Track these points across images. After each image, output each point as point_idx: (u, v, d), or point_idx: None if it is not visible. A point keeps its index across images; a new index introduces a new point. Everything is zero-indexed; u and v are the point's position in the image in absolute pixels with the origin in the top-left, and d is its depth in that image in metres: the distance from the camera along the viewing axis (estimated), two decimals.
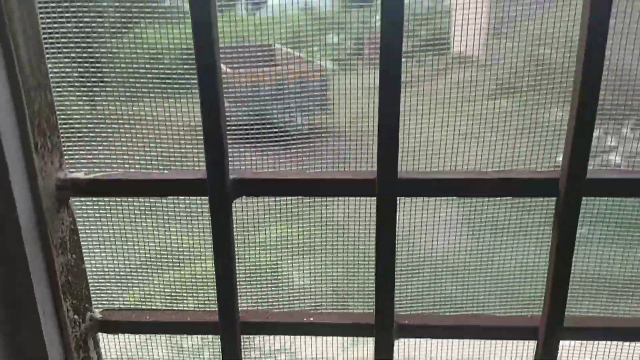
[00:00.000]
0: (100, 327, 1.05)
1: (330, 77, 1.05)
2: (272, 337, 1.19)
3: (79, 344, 1.01)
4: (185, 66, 0.98)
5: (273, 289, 1.14)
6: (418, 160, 1.02)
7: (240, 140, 1.03)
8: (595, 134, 1.10)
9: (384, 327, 0.97)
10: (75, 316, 1.01)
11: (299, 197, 1.03)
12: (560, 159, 0.92)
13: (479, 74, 1.01)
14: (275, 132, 1.04)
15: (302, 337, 1.12)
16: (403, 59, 0.96)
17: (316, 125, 1.07)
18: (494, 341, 1.12)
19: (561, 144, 0.92)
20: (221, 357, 1.02)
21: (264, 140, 1.05)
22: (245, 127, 1.04)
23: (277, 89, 1.05)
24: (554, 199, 0.90)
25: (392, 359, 1.02)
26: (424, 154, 1.02)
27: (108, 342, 1.13)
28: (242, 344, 1.03)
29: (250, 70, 1.03)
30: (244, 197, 0.97)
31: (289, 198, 1.03)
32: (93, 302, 1.06)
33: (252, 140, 1.04)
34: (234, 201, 0.94)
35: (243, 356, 1.03)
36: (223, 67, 1.06)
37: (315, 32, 1.06)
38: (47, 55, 0.91)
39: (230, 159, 0.92)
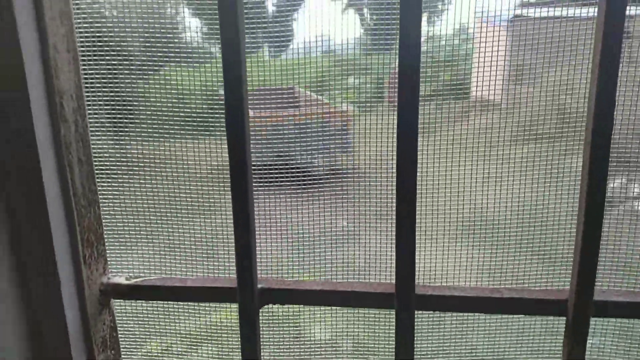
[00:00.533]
0: None
1: (352, 119, 1.07)
2: None
3: None
4: None
5: None
6: (437, 201, 1.02)
7: (262, 181, 1.04)
8: (619, 181, 1.10)
9: None
10: None
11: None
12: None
13: (498, 118, 1.02)
14: (297, 173, 1.05)
15: None
16: (422, 104, 0.97)
17: (337, 166, 1.08)
18: None
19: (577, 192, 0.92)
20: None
21: (285, 181, 1.05)
22: (266, 168, 1.05)
23: (299, 130, 1.06)
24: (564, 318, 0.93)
25: None
26: (442, 195, 1.02)
27: None
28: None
29: (273, 113, 1.05)
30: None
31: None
32: None
33: (273, 181, 1.05)
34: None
35: None
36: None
37: (337, 75, 1.08)
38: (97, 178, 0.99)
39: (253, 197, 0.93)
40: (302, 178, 1.05)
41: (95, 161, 0.98)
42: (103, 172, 1.02)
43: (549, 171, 0.98)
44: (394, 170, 0.89)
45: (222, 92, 1.02)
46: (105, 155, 1.03)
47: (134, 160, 1.04)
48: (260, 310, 0.99)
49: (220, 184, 1.04)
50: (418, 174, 0.90)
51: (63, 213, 0.90)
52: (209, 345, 1.13)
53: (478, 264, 1.05)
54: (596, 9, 0.82)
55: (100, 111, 1.03)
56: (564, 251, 1.01)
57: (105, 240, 1.02)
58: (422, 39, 1.17)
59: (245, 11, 1.02)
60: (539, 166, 0.98)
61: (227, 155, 0.88)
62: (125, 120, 1.04)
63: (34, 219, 0.87)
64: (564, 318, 0.94)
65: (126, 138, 1.05)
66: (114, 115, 1.04)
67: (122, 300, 1.05)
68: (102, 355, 1.01)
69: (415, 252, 0.90)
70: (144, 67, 1.02)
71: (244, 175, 0.89)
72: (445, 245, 1.03)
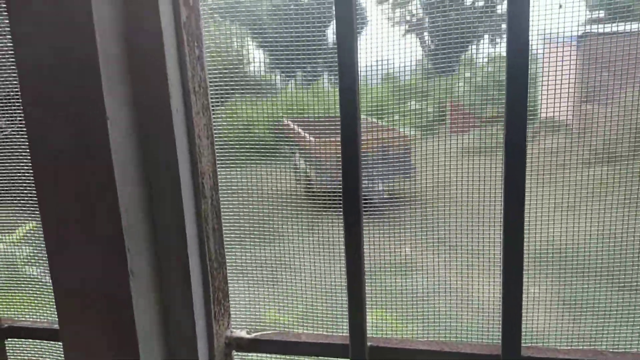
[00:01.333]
0: None
1: (413, 143, 1.06)
2: None
3: None
4: None
5: None
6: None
7: (325, 207, 1.05)
8: None
9: None
10: None
11: None
12: None
13: (569, 140, 0.97)
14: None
15: None
16: (487, 126, 0.95)
17: (399, 191, 1.07)
18: None
19: None
20: None
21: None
22: (329, 194, 1.06)
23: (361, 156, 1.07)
24: None
25: None
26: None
27: None
28: None
29: (335, 139, 1.06)
30: None
31: None
32: None
33: (335, 207, 1.06)
34: None
35: None
36: (307, 135, 1.09)
37: (396, 100, 1.08)
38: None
39: (315, 224, 0.95)
40: (365, 204, 1.05)
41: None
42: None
43: (628, 194, 0.92)
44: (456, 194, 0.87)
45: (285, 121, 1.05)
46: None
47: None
48: None
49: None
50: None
51: (201, 277, 1.01)
52: None
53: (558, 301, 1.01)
54: None
55: None
56: None
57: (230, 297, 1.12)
58: (485, 60, 1.15)
59: (307, 40, 1.05)
60: (616, 189, 0.92)
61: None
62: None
63: (180, 285, 0.97)
64: None
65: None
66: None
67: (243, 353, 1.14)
68: None
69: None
70: (212, 100, 1.07)
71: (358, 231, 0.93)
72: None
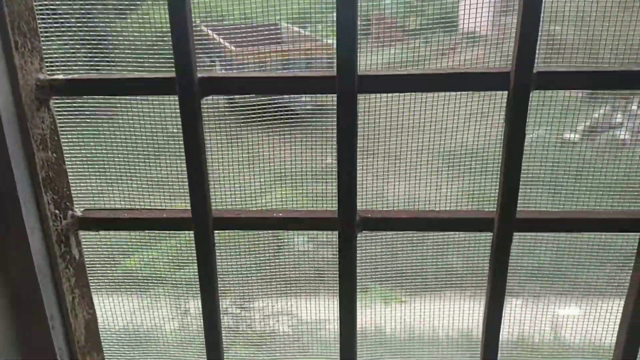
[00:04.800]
0: (80, 224, 1.07)
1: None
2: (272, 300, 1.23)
3: (60, 238, 1.04)
4: None
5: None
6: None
7: (244, 118, 1.03)
8: (602, 110, 1.10)
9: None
10: (56, 211, 1.03)
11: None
12: None
13: (487, 51, 1.00)
14: (281, 110, 1.03)
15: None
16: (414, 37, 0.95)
17: (322, 102, 1.07)
18: None
19: None
20: (195, 252, 1.03)
21: (270, 118, 1.04)
22: (250, 105, 1.04)
23: (283, 67, 1.04)
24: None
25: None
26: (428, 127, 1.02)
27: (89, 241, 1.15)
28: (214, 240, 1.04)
29: (257, 49, 1.02)
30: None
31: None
32: (75, 204, 1.07)
33: (257, 119, 1.04)
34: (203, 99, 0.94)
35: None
36: (228, 45, 1.05)
37: (321, 10, 1.05)
38: None
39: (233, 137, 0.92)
40: (287, 115, 1.04)
41: None
42: None
43: None
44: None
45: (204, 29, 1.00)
46: None
47: None
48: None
49: None
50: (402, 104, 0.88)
51: None
52: None
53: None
54: None
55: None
56: None
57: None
58: None
59: None
60: None
61: None
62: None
63: None
64: None
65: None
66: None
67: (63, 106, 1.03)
68: (42, 153, 1.00)
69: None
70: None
71: None
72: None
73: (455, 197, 1.08)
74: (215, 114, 1.02)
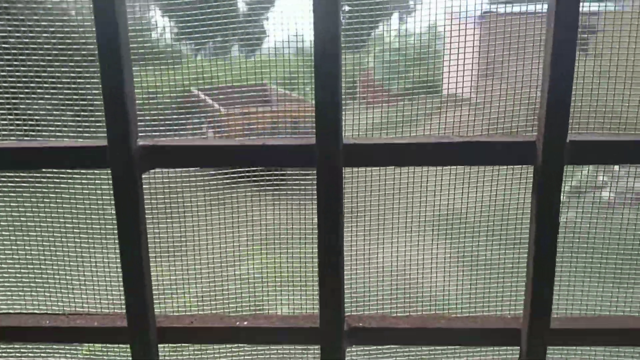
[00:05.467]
0: None
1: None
2: None
3: None
4: None
5: None
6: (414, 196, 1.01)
7: (231, 181, 1.03)
8: (585, 171, 1.11)
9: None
10: None
11: None
12: None
13: (471, 114, 1.02)
14: (269, 173, 1.04)
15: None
16: (395, 101, 0.97)
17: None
18: None
19: None
20: None
21: (259, 181, 1.04)
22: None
23: (272, 127, 1.05)
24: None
25: None
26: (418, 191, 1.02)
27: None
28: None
29: (245, 110, 1.04)
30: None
31: None
32: None
33: (245, 183, 1.04)
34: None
35: None
36: (216, 105, 1.07)
37: (308, 72, 1.08)
38: None
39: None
40: (274, 177, 1.04)
41: None
42: None
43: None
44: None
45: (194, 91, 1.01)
46: None
47: None
48: None
49: None
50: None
51: None
52: None
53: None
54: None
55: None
56: None
57: None
58: (394, 36, 1.17)
59: (216, 9, 1.02)
60: None
61: None
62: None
63: None
64: None
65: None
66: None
67: None
68: None
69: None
70: None
71: None
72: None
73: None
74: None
